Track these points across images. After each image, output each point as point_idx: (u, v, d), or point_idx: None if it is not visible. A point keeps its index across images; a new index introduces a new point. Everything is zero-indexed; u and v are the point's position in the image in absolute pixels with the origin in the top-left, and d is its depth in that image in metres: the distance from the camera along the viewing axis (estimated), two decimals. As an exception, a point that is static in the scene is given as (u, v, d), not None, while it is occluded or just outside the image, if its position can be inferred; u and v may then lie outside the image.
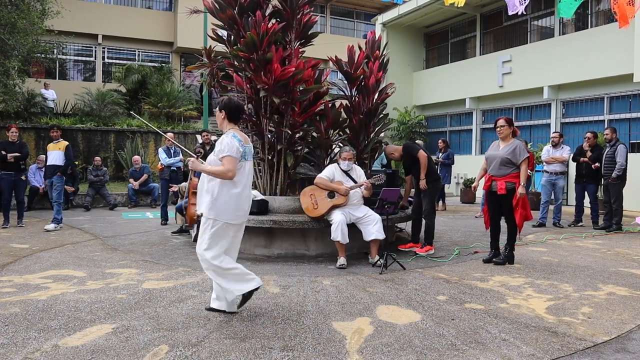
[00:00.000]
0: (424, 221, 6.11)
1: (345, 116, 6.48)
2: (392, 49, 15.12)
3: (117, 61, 20.06)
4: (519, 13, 7.46)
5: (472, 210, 10.91)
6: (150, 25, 20.08)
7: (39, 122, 13.94)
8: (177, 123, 16.15)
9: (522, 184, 5.23)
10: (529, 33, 14.12)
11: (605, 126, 11.12)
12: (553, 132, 8.96)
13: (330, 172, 5.43)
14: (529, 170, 7.54)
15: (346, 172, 5.44)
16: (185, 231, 7.34)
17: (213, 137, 9.30)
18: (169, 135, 8.92)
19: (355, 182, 5.40)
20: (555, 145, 8.52)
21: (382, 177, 5.47)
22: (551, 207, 8.92)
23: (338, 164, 5.51)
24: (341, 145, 6.36)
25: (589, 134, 8.30)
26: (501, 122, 5.44)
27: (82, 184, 11.93)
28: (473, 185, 5.97)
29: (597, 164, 8.03)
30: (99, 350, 2.92)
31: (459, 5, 7.47)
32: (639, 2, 6.86)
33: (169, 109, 16.27)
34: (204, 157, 4.80)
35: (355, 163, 5.59)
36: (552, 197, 8.59)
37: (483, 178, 5.62)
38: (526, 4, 7.17)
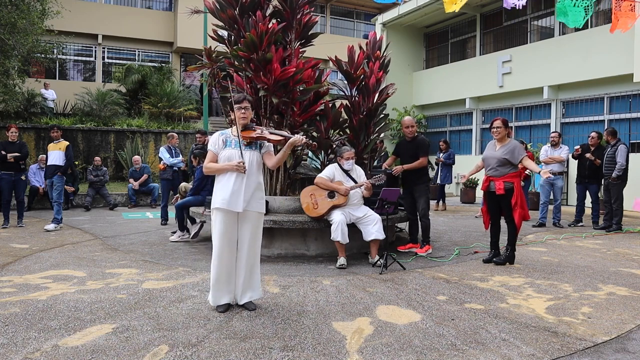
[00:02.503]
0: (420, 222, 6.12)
1: (346, 116, 6.48)
2: (392, 49, 15.11)
3: (117, 61, 20.05)
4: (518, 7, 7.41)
5: (472, 210, 10.91)
6: (150, 25, 20.07)
7: (38, 122, 13.95)
8: (177, 123, 16.16)
9: (537, 166, 5.24)
10: (529, 33, 14.11)
11: (606, 126, 11.13)
12: (552, 132, 8.95)
13: (330, 172, 5.43)
14: (527, 171, 7.58)
15: (346, 172, 5.44)
16: (186, 230, 7.32)
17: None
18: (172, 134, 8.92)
19: (355, 182, 5.40)
20: (554, 145, 8.52)
21: (382, 177, 5.47)
22: (551, 207, 8.92)
23: (338, 163, 5.51)
24: (341, 145, 6.36)
25: (593, 134, 8.29)
26: (497, 123, 5.43)
27: (82, 184, 11.94)
28: (463, 174, 5.93)
29: (599, 160, 8.03)
30: (99, 350, 2.92)
31: (457, 10, 7.50)
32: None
33: (169, 109, 16.28)
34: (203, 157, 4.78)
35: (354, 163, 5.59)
36: (552, 197, 8.60)
37: (480, 179, 5.61)
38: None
